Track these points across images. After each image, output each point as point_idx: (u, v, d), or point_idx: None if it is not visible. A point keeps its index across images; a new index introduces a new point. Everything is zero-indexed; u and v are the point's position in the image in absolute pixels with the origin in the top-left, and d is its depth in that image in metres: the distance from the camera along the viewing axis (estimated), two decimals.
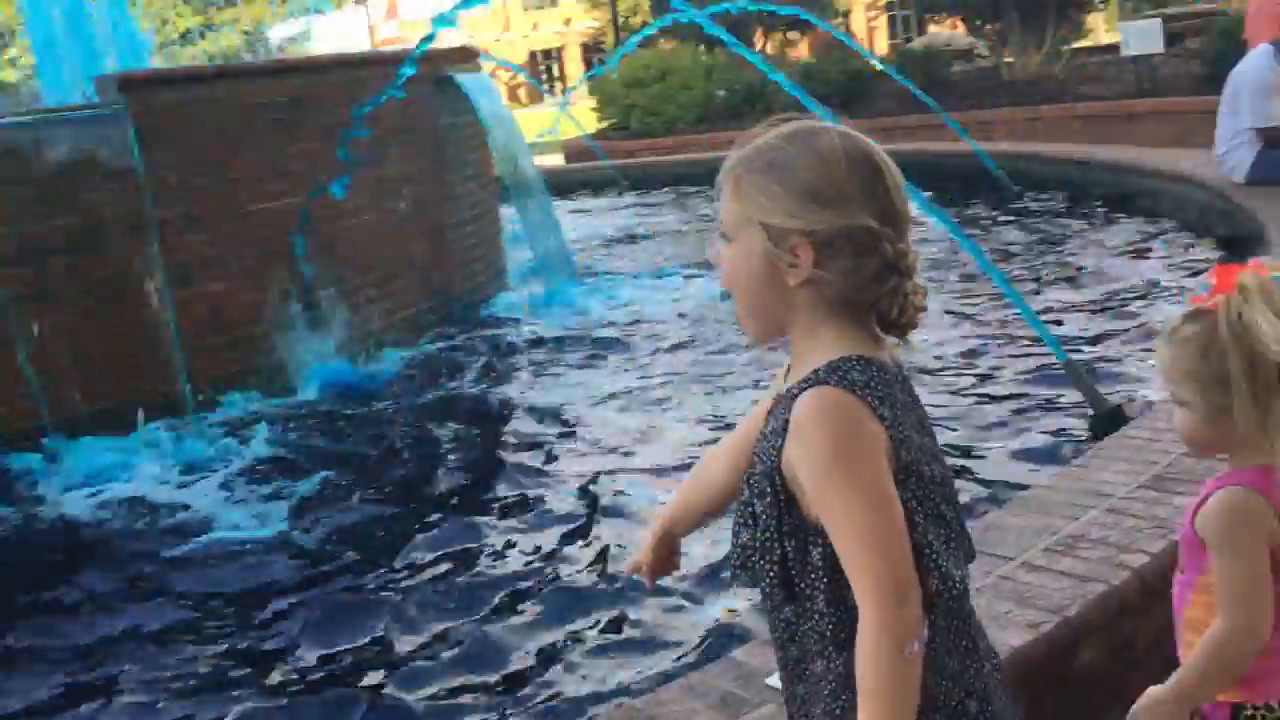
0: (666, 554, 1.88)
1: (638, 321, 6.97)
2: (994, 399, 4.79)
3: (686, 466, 4.16)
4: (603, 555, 3.73)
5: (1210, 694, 1.81)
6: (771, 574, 1.52)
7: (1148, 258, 7.00)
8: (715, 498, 1.82)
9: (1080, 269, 6.93)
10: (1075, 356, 4.59)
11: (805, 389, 1.47)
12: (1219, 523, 1.77)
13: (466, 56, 8.04)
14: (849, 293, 1.49)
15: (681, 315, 6.96)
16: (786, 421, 1.48)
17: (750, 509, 1.56)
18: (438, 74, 7.17)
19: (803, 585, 1.51)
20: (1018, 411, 4.57)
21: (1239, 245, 6.12)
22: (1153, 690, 1.82)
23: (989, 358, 5.39)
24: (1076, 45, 18.73)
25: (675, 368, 5.91)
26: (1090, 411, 4.16)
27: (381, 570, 3.83)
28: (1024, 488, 3.39)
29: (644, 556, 1.89)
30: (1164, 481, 2.84)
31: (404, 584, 3.72)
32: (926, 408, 1.60)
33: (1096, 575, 2.48)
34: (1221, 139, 7.06)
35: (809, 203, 1.48)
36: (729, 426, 4.28)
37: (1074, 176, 9.45)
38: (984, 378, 5.12)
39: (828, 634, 1.50)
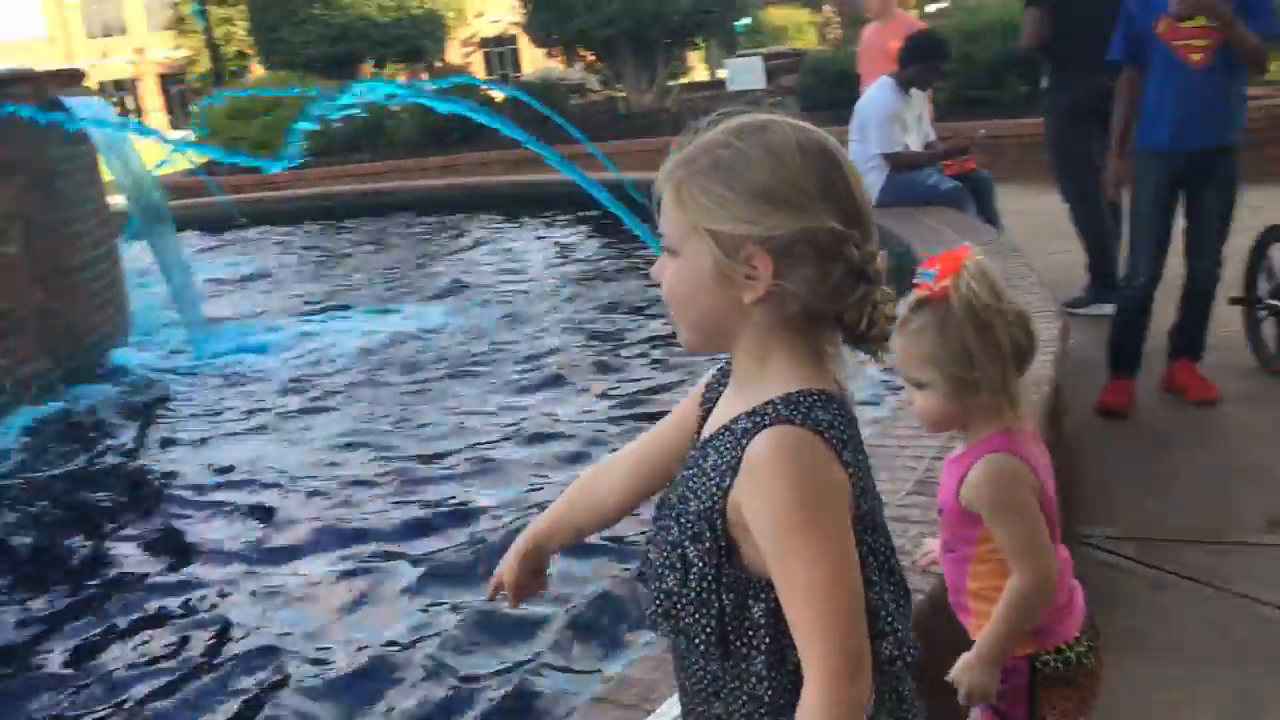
0: (533, 571, 1.69)
1: (285, 367, 6.47)
2: None
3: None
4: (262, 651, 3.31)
5: (1015, 645, 1.93)
6: (707, 629, 1.34)
7: None
8: (598, 518, 1.67)
9: None
10: None
11: (761, 425, 1.30)
12: (991, 490, 1.88)
13: (74, 79, 7.16)
14: (813, 305, 1.31)
15: (333, 361, 6.51)
16: (736, 459, 1.31)
17: (679, 552, 1.37)
18: (43, 98, 6.31)
19: (739, 643, 1.34)
20: None
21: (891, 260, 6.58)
22: (965, 655, 1.92)
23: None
24: (685, 81, 19.76)
25: (333, 420, 5.45)
26: None
27: None
28: None
29: (508, 574, 1.68)
30: (929, 485, 2.86)
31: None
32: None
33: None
34: None
35: (764, 205, 1.30)
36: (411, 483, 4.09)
37: None
38: None
39: (765, 698, 1.34)
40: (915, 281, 1.93)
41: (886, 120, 7.17)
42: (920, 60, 7.17)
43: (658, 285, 1.42)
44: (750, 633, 1.33)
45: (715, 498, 1.33)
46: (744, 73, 15.18)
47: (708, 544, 1.33)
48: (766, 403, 1.32)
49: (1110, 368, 4.91)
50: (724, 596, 1.33)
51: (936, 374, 1.89)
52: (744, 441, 1.30)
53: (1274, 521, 3.79)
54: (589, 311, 7.15)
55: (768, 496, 1.28)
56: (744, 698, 1.36)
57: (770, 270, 1.30)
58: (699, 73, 24.81)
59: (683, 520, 1.38)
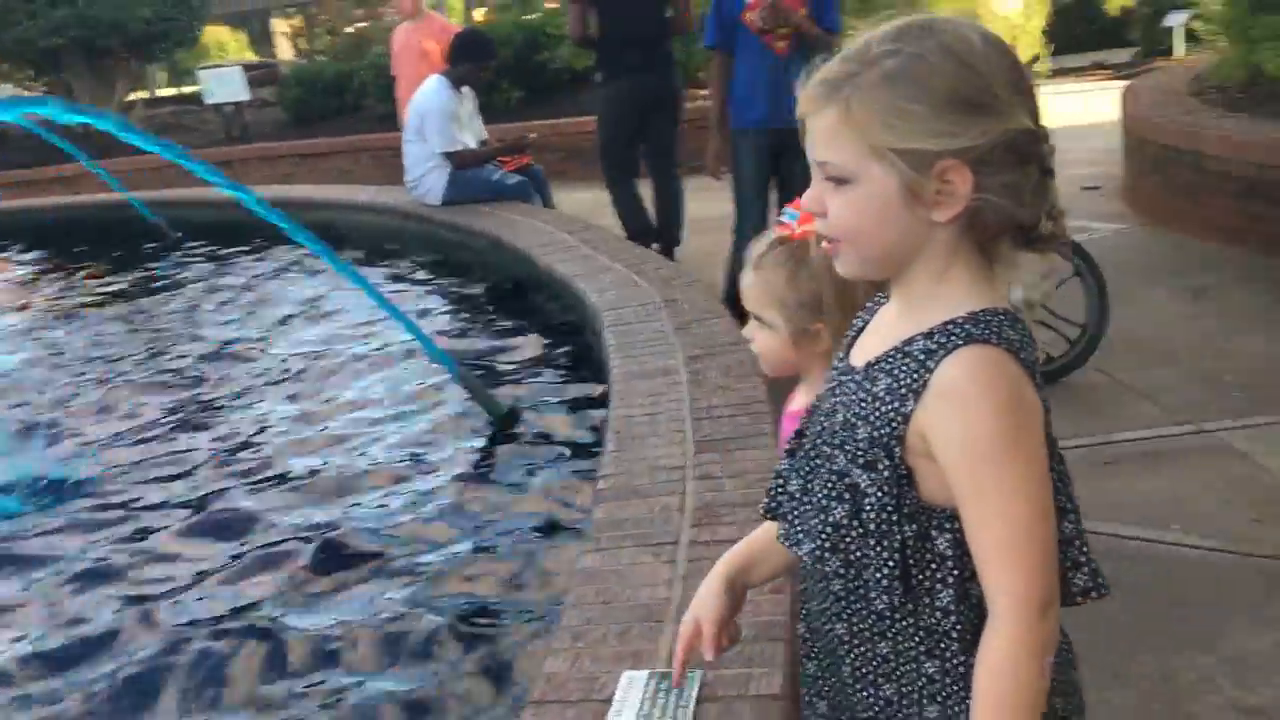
0: (732, 611, 1.53)
1: None
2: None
3: None
4: None
5: None
6: (889, 563, 1.27)
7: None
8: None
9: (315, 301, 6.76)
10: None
11: (949, 346, 1.22)
12: None
13: None
14: (1011, 215, 1.23)
15: None
16: (920, 382, 1.23)
17: (846, 481, 1.29)
18: None
19: (921, 577, 1.28)
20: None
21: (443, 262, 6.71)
22: None
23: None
24: (160, 94, 18.22)
25: None
26: (488, 415, 4.16)
27: None
28: None
29: (708, 613, 1.50)
30: None
31: None
32: None
33: None
34: (412, 167, 7.43)
35: (959, 113, 1.19)
36: None
37: (233, 219, 9.20)
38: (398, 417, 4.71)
39: (953, 633, 1.28)
40: (778, 220, 1.96)
41: (446, 118, 7.14)
42: (470, 58, 7.23)
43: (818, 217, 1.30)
44: (934, 565, 1.27)
45: (894, 423, 1.25)
46: (223, 84, 14.32)
47: (885, 472, 1.26)
48: (949, 322, 1.24)
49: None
50: (906, 527, 1.26)
51: (781, 317, 1.90)
52: (929, 364, 1.23)
53: None
54: None
55: (964, 422, 1.20)
56: (920, 634, 1.30)
57: (970, 184, 1.20)
58: (164, 87, 23.07)
59: (849, 448, 1.29)
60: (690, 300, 4.42)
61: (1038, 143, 1.23)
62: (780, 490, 1.45)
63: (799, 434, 1.44)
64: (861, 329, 1.41)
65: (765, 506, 1.49)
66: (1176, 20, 16.64)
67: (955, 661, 1.29)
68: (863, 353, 1.36)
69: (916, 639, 1.31)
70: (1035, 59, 13.97)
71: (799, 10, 5.01)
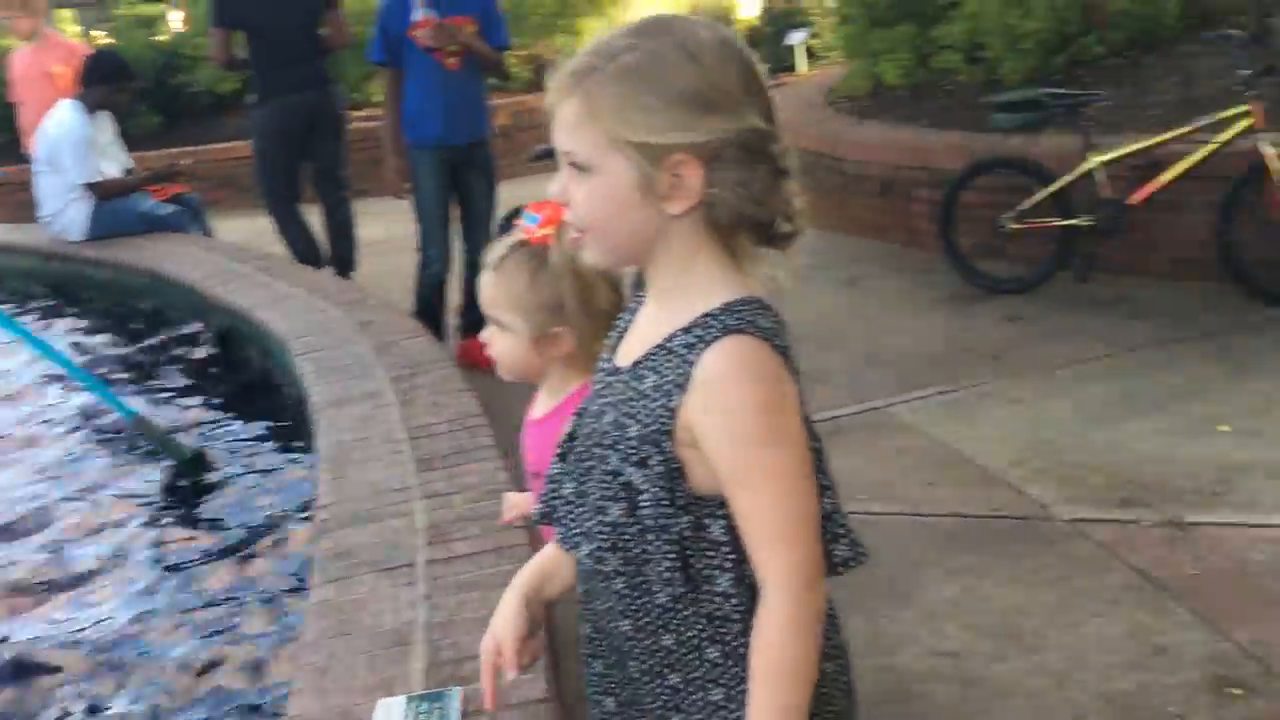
0: (531, 628, 1.49)
1: None
2: None
3: None
4: None
5: None
6: (670, 555, 1.30)
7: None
8: None
9: None
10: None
11: (707, 338, 1.26)
12: None
13: None
14: (743, 209, 1.27)
15: None
16: (684, 376, 1.26)
17: (620, 480, 1.31)
18: None
19: (700, 565, 1.32)
20: None
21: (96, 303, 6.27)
22: None
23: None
24: None
25: None
26: (175, 461, 3.90)
27: None
28: None
29: (507, 632, 1.47)
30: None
31: None
32: None
33: None
34: (46, 201, 6.84)
35: (692, 110, 1.23)
36: None
37: None
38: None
39: (734, 616, 1.32)
40: (517, 223, 1.94)
41: (83, 146, 6.62)
42: (105, 81, 6.76)
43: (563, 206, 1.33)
44: (710, 553, 1.30)
45: (662, 419, 1.27)
46: None
47: (658, 467, 1.28)
48: (705, 315, 1.27)
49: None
50: (682, 519, 1.28)
51: (521, 320, 1.88)
52: (690, 357, 1.25)
53: None
54: None
55: (726, 411, 1.24)
56: (702, 621, 1.33)
57: (701, 178, 1.24)
58: None
59: (620, 448, 1.31)
60: (385, 321, 4.33)
61: (769, 142, 1.26)
62: (554, 495, 1.46)
63: (570, 437, 1.46)
64: (625, 330, 1.44)
65: (540, 512, 1.49)
66: (797, 39, 18.00)
67: (736, 644, 1.33)
68: (628, 352, 1.38)
69: (698, 627, 1.34)
70: None
71: (467, 27, 5.03)
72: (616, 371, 1.38)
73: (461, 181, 5.20)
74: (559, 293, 1.84)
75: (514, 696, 1.92)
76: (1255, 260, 5.01)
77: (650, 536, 1.30)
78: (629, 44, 1.26)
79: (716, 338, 1.25)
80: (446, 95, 5.00)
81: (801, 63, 17.87)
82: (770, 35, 18.61)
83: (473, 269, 5.35)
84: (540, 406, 2.02)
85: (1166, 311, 5.05)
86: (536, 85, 10.87)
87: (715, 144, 1.23)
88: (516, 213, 5.44)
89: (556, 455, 1.47)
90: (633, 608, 1.36)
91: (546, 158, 5.53)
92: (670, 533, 1.29)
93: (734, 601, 1.31)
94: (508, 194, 5.39)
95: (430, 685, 1.99)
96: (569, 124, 1.27)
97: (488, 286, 1.92)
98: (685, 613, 1.33)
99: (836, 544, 1.34)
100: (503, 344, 1.93)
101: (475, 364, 5.12)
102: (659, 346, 1.31)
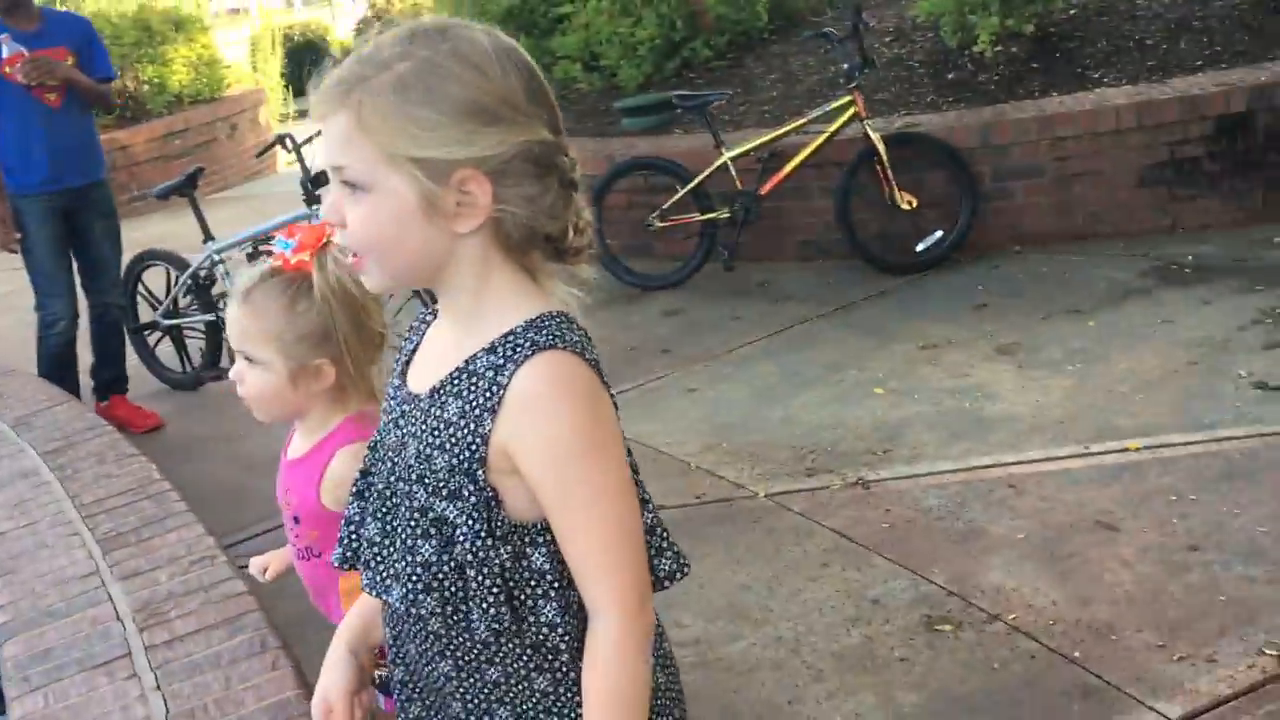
0: (360, 682, 1.39)
1: None
2: None
3: None
4: None
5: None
6: (491, 590, 1.22)
7: None
8: None
9: None
10: None
11: (516, 357, 1.18)
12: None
13: None
14: (534, 224, 1.19)
15: None
16: (494, 399, 1.18)
17: (430, 516, 1.23)
18: None
19: (523, 597, 1.25)
20: None
21: None
22: None
23: None
24: None
25: None
26: None
27: None
28: None
29: (335, 691, 1.37)
30: None
31: None
32: None
33: None
34: None
35: (474, 122, 1.14)
36: None
37: None
38: None
39: (561, 645, 1.27)
40: (268, 249, 1.83)
41: None
42: None
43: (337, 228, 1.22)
44: (533, 582, 1.24)
45: (473, 446, 1.19)
46: None
47: (472, 498, 1.19)
48: (508, 334, 1.20)
49: None
50: (502, 550, 1.22)
51: (276, 354, 1.76)
52: (499, 379, 1.18)
53: None
54: None
55: (546, 430, 1.17)
56: (528, 652, 1.27)
57: (489, 194, 1.16)
58: None
59: (428, 481, 1.22)
60: (14, 391, 3.86)
61: (558, 154, 1.20)
62: (354, 536, 1.35)
63: (364, 474, 1.35)
64: (413, 352, 1.35)
65: (340, 557, 1.37)
66: None
67: (565, 671, 1.28)
68: (421, 377, 1.29)
69: (524, 658, 1.28)
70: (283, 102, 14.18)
71: (65, 61, 4.58)
72: (413, 399, 1.28)
73: (78, 227, 4.73)
74: (320, 321, 1.72)
75: None
76: (873, 236, 5.49)
77: (470, 572, 1.22)
78: (401, 51, 1.16)
79: (527, 356, 1.18)
80: (51, 136, 4.54)
81: None
82: None
83: (100, 323, 4.91)
84: (298, 445, 1.87)
85: (805, 291, 5.43)
86: (128, 119, 10.15)
87: (502, 158, 1.15)
88: (141, 260, 5.11)
89: (352, 494, 1.36)
90: (451, 647, 1.29)
91: (170, 195, 5.18)
92: (491, 566, 1.21)
93: (560, 631, 1.25)
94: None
95: None
96: (338, 139, 1.17)
97: (237, 320, 1.77)
98: (509, 645, 1.27)
99: (661, 558, 1.31)
100: (257, 382, 1.78)
101: (121, 426, 4.71)
102: (460, 370, 1.22)
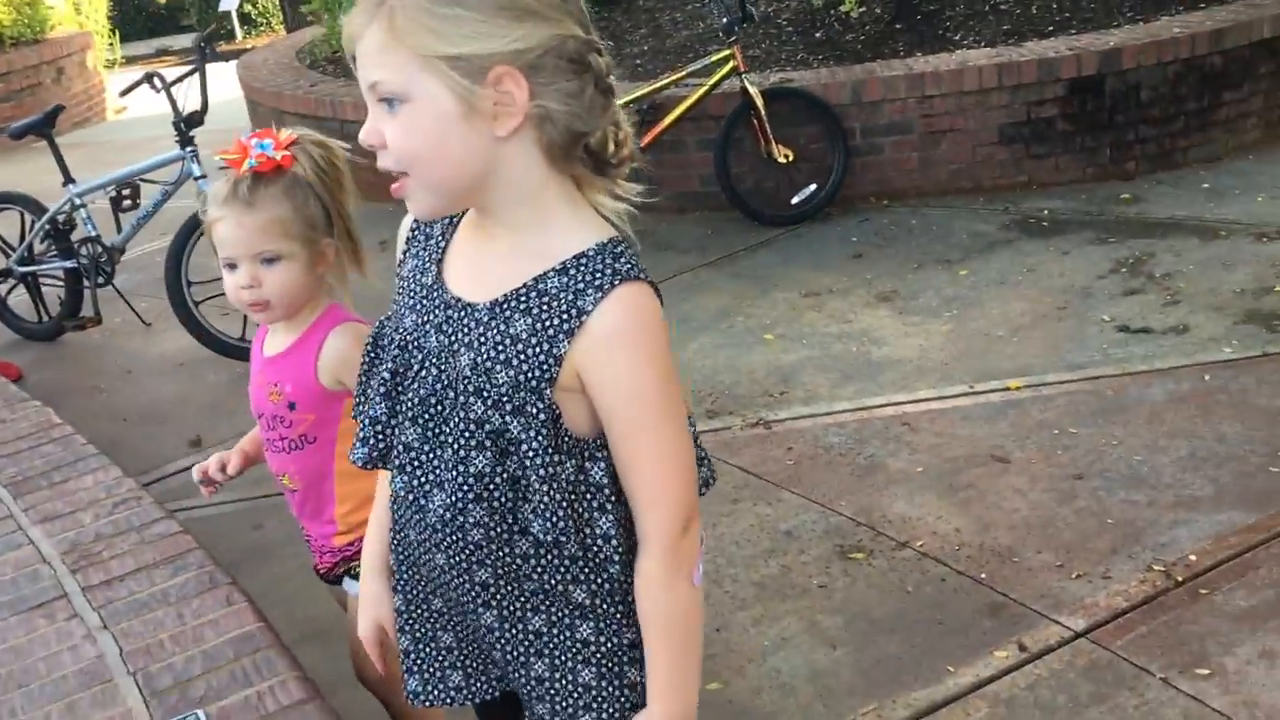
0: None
1: None
2: None
3: None
4: None
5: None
6: (556, 501, 1.24)
7: None
8: None
9: None
10: None
11: (597, 285, 1.19)
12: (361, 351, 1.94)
13: None
14: (574, 126, 1.19)
15: None
16: (569, 323, 1.19)
17: (487, 428, 1.23)
18: None
19: (580, 509, 1.28)
20: None
21: None
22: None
23: None
24: None
25: None
26: None
27: None
28: None
29: (385, 616, 1.43)
30: None
31: None
32: None
33: None
34: None
35: (506, 16, 1.14)
36: None
37: None
38: None
39: (614, 558, 1.30)
40: (234, 156, 1.86)
41: None
42: None
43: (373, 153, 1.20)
44: (589, 495, 1.26)
45: (545, 365, 1.20)
46: None
47: (540, 414, 1.21)
48: (579, 256, 1.20)
49: None
50: (567, 463, 1.23)
51: (298, 245, 1.87)
52: (580, 304, 1.18)
53: (193, 441, 4.05)
54: None
55: (625, 364, 1.20)
56: (567, 564, 1.29)
57: (526, 90, 1.15)
58: None
59: (487, 394, 1.22)
60: None
61: (591, 52, 1.19)
62: (380, 437, 1.34)
63: (393, 374, 1.34)
64: (440, 255, 1.33)
65: (363, 456, 1.36)
66: (233, 5, 17.13)
67: (610, 586, 1.31)
68: (466, 283, 1.28)
69: (564, 568, 1.31)
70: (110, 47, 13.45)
71: None
72: (461, 305, 1.27)
73: None
74: (319, 203, 1.87)
75: (269, 705, 1.75)
76: (750, 189, 5.60)
77: (535, 484, 1.23)
78: None
79: (610, 285, 1.19)
80: None
81: (239, 30, 17.07)
82: (201, 2, 17.61)
83: None
84: (278, 341, 1.95)
85: (686, 242, 5.50)
86: None
87: (536, 53, 1.15)
88: (128, 185, 4.76)
89: (377, 392, 1.35)
90: (492, 558, 1.31)
91: (26, 135, 4.88)
92: (556, 480, 1.23)
93: (614, 544, 1.28)
94: None
95: (165, 718, 1.75)
96: (374, 53, 1.15)
97: (249, 225, 1.84)
98: (548, 557, 1.30)
99: (700, 466, 1.36)
100: (281, 278, 1.88)
101: None
102: (529, 287, 1.22)
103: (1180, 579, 2.70)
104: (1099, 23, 5.90)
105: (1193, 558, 2.77)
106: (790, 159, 5.47)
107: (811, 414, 3.73)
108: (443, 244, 1.33)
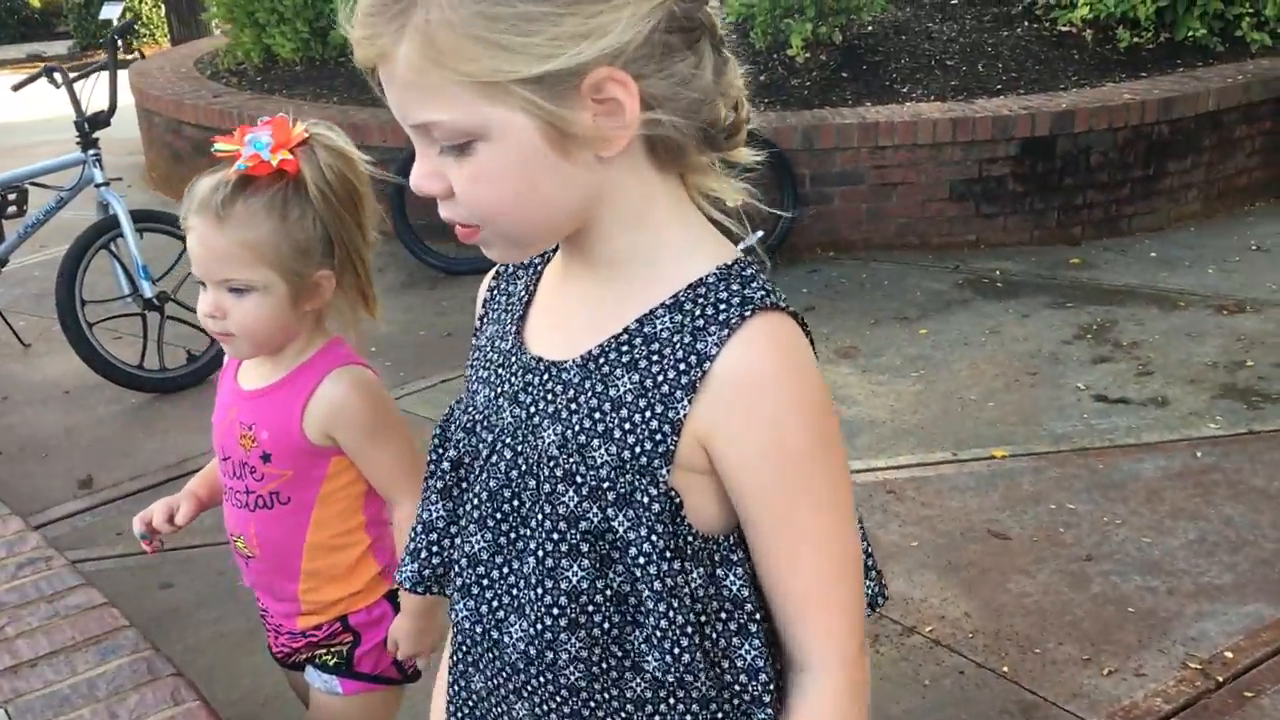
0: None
1: None
2: None
3: None
4: None
5: (372, 590, 1.70)
6: (683, 627, 0.91)
7: None
8: None
9: None
10: None
11: (725, 315, 0.88)
12: (366, 402, 1.59)
13: None
14: (697, 116, 0.88)
15: None
16: (690, 374, 0.88)
17: (583, 527, 0.91)
18: None
19: (714, 635, 0.95)
20: None
21: None
22: None
23: None
24: None
25: None
26: None
27: None
28: None
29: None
30: None
31: None
32: None
33: None
34: None
35: (594, 8, 0.81)
36: None
37: None
38: None
39: (764, 698, 0.95)
40: (230, 149, 1.48)
41: None
42: None
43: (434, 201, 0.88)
44: (726, 614, 0.93)
45: (659, 436, 0.88)
46: None
47: (654, 504, 0.89)
48: (695, 285, 0.89)
49: None
50: (694, 573, 0.91)
51: (275, 274, 1.50)
52: (700, 348, 0.87)
53: (83, 482, 3.56)
54: None
55: (773, 422, 0.88)
56: (694, 707, 0.95)
57: (636, 95, 0.84)
58: None
59: (581, 479, 0.90)
60: None
61: (699, 10, 0.87)
62: (435, 549, 1.02)
63: (455, 465, 1.00)
64: (526, 303, 1.00)
65: (412, 576, 1.04)
66: (115, 13, 16.35)
67: None
68: (551, 338, 0.96)
69: (688, 717, 0.96)
70: None
71: None
72: (544, 366, 0.95)
73: None
74: (319, 226, 1.49)
75: None
76: None
77: (648, 604, 0.90)
78: None
79: (740, 319, 0.87)
80: None
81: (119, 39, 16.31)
82: (79, 7, 16.75)
83: None
84: (261, 372, 1.59)
85: None
86: None
87: (640, 38, 0.83)
88: (14, 188, 4.21)
89: (436, 491, 1.01)
90: (594, 702, 0.96)
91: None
92: (679, 595, 0.90)
93: (763, 679, 0.94)
94: None
95: None
96: (410, 85, 0.83)
97: (213, 245, 1.47)
98: (670, 702, 0.96)
99: (867, 576, 1.01)
100: (252, 310, 1.51)
101: None
102: (632, 332, 0.91)
103: (1220, 679, 2.47)
104: (1045, 84, 5.83)
105: (1228, 654, 2.55)
106: (739, 202, 5.23)
107: None
108: (525, 298, 1.01)
